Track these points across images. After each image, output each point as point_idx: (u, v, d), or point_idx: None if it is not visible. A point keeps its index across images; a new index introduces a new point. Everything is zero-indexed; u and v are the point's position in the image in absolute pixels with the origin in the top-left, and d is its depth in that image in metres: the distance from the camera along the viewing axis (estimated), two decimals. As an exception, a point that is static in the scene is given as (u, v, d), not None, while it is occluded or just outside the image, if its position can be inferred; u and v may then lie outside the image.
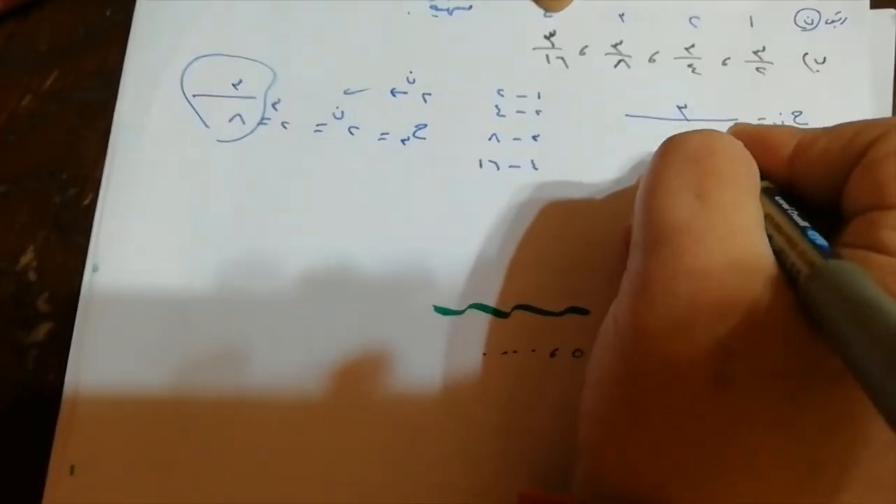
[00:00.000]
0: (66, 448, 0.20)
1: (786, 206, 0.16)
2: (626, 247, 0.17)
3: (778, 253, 0.15)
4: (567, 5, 0.23)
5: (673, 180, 0.16)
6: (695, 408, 0.14)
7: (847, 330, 0.12)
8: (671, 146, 0.17)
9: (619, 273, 0.17)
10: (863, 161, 0.15)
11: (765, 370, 0.13)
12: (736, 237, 0.15)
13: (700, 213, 0.15)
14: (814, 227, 0.15)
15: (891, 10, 0.23)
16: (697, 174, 0.15)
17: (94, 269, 0.22)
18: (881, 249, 0.14)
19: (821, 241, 0.14)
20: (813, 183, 0.17)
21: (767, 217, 0.16)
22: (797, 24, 0.24)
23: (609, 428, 0.16)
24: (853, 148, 0.16)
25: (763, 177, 0.17)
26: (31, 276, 0.22)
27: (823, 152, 0.16)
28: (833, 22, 0.23)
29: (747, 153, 0.16)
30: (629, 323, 0.15)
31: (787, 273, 0.15)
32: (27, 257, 0.22)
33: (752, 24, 0.24)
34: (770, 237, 0.15)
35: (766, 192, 0.17)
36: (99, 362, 0.21)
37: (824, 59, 0.23)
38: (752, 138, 0.17)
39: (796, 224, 0.15)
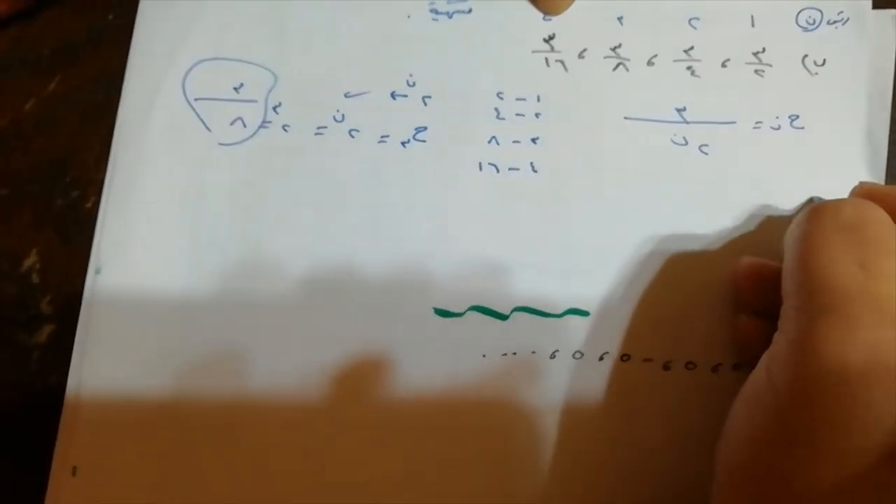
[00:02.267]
0: (69, 449, 0.21)
1: None
2: (741, 291, 0.19)
3: None
4: (566, 9, 0.24)
5: (833, 248, 0.16)
6: (866, 484, 0.14)
7: None
8: (823, 213, 0.17)
9: (724, 319, 0.19)
10: None
11: None
12: None
13: (867, 282, 0.15)
14: None
15: (891, 11, 0.23)
16: (857, 243, 0.16)
17: (97, 271, 0.22)
18: None
19: None
20: None
21: None
22: (799, 25, 0.24)
23: (759, 487, 0.16)
24: None
25: None
26: (34, 278, 0.22)
27: None
28: (835, 22, 0.23)
29: (890, 221, 0.16)
30: (793, 387, 0.15)
31: None
32: (30, 259, 0.23)
33: (753, 24, 0.24)
34: None
35: None
36: (101, 364, 0.21)
37: (824, 60, 0.23)
38: (891, 206, 0.17)
39: None
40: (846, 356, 0.14)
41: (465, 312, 0.22)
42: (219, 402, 0.21)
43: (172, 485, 0.21)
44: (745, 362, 0.21)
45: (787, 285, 0.17)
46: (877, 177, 0.22)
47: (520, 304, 0.22)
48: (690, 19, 0.24)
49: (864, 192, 0.19)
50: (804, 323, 0.16)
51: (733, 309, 0.21)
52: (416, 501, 0.21)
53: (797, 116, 0.23)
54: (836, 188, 0.22)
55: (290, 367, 0.21)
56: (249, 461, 0.21)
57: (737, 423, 0.17)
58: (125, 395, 0.21)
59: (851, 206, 0.17)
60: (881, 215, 0.16)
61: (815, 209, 0.17)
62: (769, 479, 0.15)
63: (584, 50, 0.23)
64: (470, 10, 0.24)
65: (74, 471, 0.20)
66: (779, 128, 0.23)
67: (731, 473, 0.17)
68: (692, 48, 0.23)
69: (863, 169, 0.22)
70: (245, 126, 0.23)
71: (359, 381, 0.21)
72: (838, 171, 0.22)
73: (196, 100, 0.23)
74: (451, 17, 0.24)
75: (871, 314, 0.15)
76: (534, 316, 0.21)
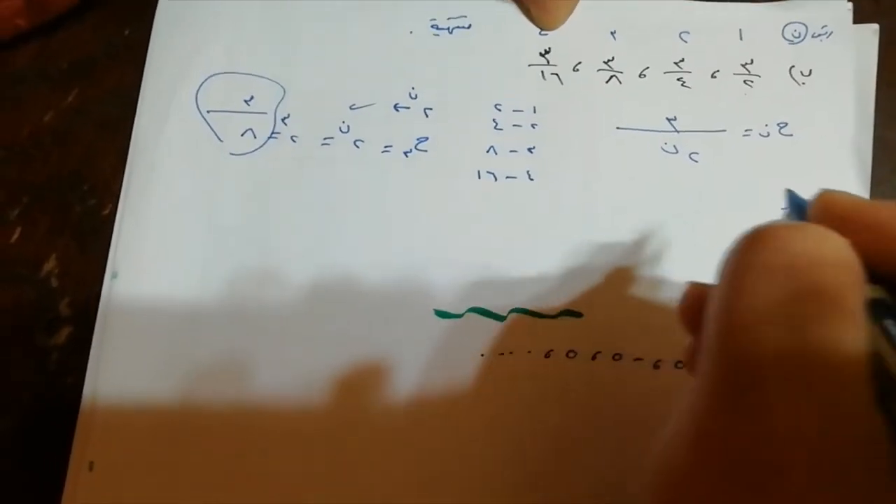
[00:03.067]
0: (86, 445, 0.21)
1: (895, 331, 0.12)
2: (689, 325, 0.15)
3: (885, 398, 0.11)
4: (562, 23, 0.24)
5: (761, 297, 0.12)
6: None
7: None
8: (762, 242, 0.13)
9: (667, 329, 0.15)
10: None
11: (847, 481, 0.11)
12: (840, 392, 0.11)
13: (795, 353, 0.11)
14: None
15: (872, 25, 0.24)
16: (796, 295, 0.12)
17: (114, 276, 0.22)
18: None
19: None
20: None
21: (874, 356, 0.12)
22: (785, 38, 0.24)
23: None
24: None
25: (870, 276, 0.12)
26: (53, 282, 0.23)
27: None
28: (819, 35, 0.24)
29: (854, 259, 0.12)
30: (686, 491, 0.12)
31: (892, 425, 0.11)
32: (49, 264, 0.23)
33: (741, 37, 0.24)
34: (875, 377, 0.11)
35: (872, 311, 0.12)
36: (117, 365, 0.22)
37: (810, 71, 0.24)
38: (858, 221, 0.13)
39: None
40: (759, 455, 0.11)
41: (464, 314, 0.22)
42: (227, 405, 0.21)
43: (182, 484, 0.21)
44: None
45: (708, 330, 0.13)
46: (863, 179, 0.23)
47: (517, 305, 0.22)
48: (681, 33, 0.24)
49: (823, 203, 0.14)
50: (709, 397, 0.12)
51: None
52: (418, 497, 0.21)
53: (786, 124, 0.23)
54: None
55: (296, 371, 0.22)
56: (257, 463, 0.21)
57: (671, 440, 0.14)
58: (139, 395, 0.21)
59: (802, 240, 0.12)
60: (841, 255, 0.12)
61: (752, 237, 0.13)
62: None
63: (579, 63, 0.24)
64: (469, 26, 0.24)
65: (91, 466, 0.21)
66: (768, 135, 0.23)
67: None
68: (682, 60, 0.24)
69: (850, 172, 0.23)
70: (255, 137, 0.24)
71: (363, 381, 0.22)
72: (826, 175, 0.23)
73: (208, 112, 0.24)
74: (451, 32, 0.24)
75: (790, 399, 0.11)
76: (529, 317, 0.22)
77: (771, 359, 0.11)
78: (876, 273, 0.13)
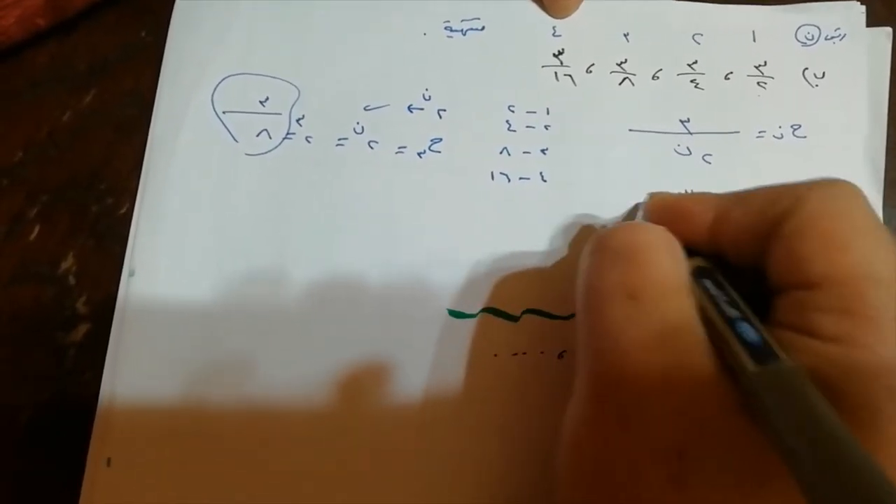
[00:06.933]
0: (104, 441, 0.21)
1: (714, 290, 0.16)
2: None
3: (715, 343, 0.15)
4: (573, 11, 0.24)
5: (603, 281, 0.16)
6: None
7: (786, 441, 0.12)
8: (598, 245, 0.17)
9: None
10: (776, 236, 0.15)
11: (714, 469, 0.13)
12: (675, 338, 0.14)
13: (634, 314, 0.15)
14: (744, 317, 0.15)
15: (886, 28, 0.24)
16: (626, 274, 0.15)
17: (131, 274, 0.23)
18: (812, 333, 0.14)
19: (751, 335, 0.14)
20: (737, 254, 0.17)
21: (700, 308, 0.15)
22: (798, 40, 0.24)
23: None
24: (765, 221, 0.16)
25: (691, 251, 0.16)
26: (71, 280, 0.23)
27: (738, 225, 0.16)
28: (832, 38, 0.24)
29: (671, 239, 0.16)
30: (584, 430, 0.15)
31: (726, 366, 0.14)
32: (67, 263, 0.24)
33: (754, 39, 0.24)
34: (706, 327, 0.15)
35: (695, 276, 0.16)
36: (134, 361, 0.22)
37: (823, 73, 0.24)
38: (672, 213, 0.17)
39: (725, 316, 0.15)
40: (622, 396, 0.14)
41: (477, 314, 0.22)
42: (242, 404, 0.21)
43: (200, 481, 0.21)
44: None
45: (577, 316, 0.17)
46: (876, 180, 0.23)
47: (530, 306, 0.22)
48: (694, 35, 0.24)
49: (654, 204, 0.18)
50: (583, 362, 0.16)
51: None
52: (429, 497, 0.21)
53: (799, 126, 0.23)
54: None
55: (311, 370, 0.22)
56: (272, 462, 0.21)
57: (557, 456, 0.16)
58: (156, 392, 0.22)
59: (621, 234, 0.16)
60: (655, 239, 0.16)
61: (593, 240, 0.17)
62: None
63: (592, 65, 0.24)
64: (483, 28, 0.25)
65: (109, 461, 0.21)
66: (781, 137, 0.23)
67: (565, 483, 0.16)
68: (696, 62, 0.24)
69: (863, 173, 0.23)
70: (270, 137, 0.24)
71: (376, 381, 0.22)
72: (840, 176, 0.22)
73: (224, 112, 0.24)
74: (464, 34, 0.25)
75: (637, 349, 0.14)
76: (543, 318, 0.22)
77: (618, 323, 0.15)
78: (694, 249, 0.17)
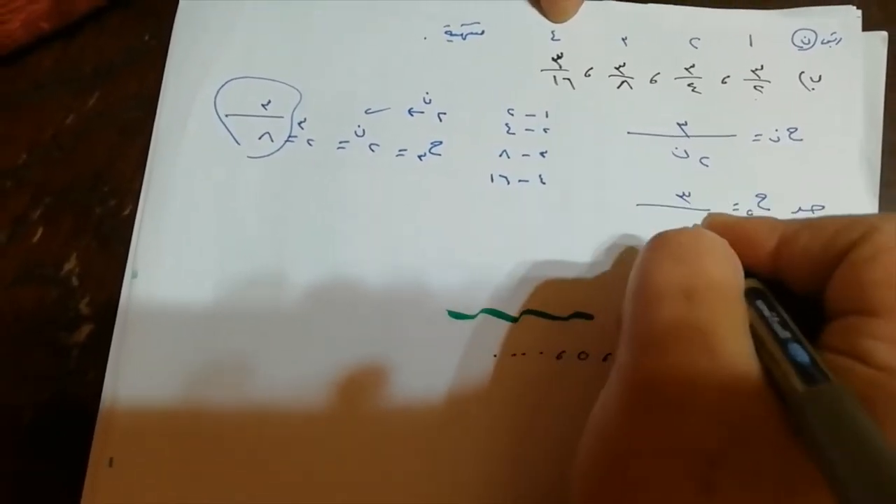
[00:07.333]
0: (106, 441, 0.21)
1: (767, 312, 0.16)
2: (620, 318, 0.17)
3: (763, 361, 0.15)
4: (572, 15, 0.25)
5: (662, 278, 0.16)
6: None
7: (831, 459, 0.12)
8: (660, 243, 0.17)
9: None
10: (844, 262, 0.15)
11: (749, 478, 0.13)
12: (725, 344, 0.15)
13: (689, 316, 0.15)
14: (795, 338, 0.15)
15: (881, 33, 0.24)
16: (686, 275, 0.16)
17: (134, 275, 0.23)
18: (864, 359, 0.14)
19: (801, 356, 0.14)
20: (797, 278, 0.17)
21: (751, 327, 0.16)
22: (794, 44, 0.24)
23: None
24: (834, 247, 0.16)
25: (746, 272, 0.17)
26: (74, 281, 0.24)
27: (805, 251, 0.16)
28: (829, 42, 0.24)
29: (732, 253, 0.17)
30: (616, 422, 0.15)
31: (772, 382, 0.15)
32: (70, 264, 0.24)
33: (751, 44, 0.25)
34: (756, 346, 0.15)
35: (749, 296, 0.16)
36: (136, 362, 0.22)
37: (820, 77, 0.24)
38: (733, 233, 0.17)
39: (777, 337, 0.15)
40: (664, 393, 0.14)
41: (477, 315, 0.22)
42: (244, 405, 0.22)
43: (202, 482, 0.21)
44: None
45: (625, 308, 0.17)
46: (872, 183, 0.23)
47: (529, 307, 0.22)
48: (691, 39, 0.25)
49: (713, 223, 0.18)
50: (627, 355, 0.16)
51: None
52: (430, 497, 0.21)
53: (796, 129, 0.24)
54: (835, 196, 0.23)
55: (312, 372, 0.22)
56: (273, 463, 0.21)
57: (582, 440, 0.16)
58: (159, 392, 0.22)
59: (685, 236, 0.17)
60: (719, 248, 0.16)
61: (655, 238, 0.17)
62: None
63: (590, 68, 0.24)
64: (482, 32, 0.25)
65: (111, 462, 0.21)
66: (778, 140, 0.24)
67: (582, 481, 0.16)
68: (693, 66, 0.24)
69: (859, 176, 0.23)
70: (272, 140, 0.24)
71: (377, 382, 0.22)
72: (836, 179, 0.23)
73: (227, 115, 0.24)
74: (464, 38, 0.25)
75: (686, 350, 0.14)
76: (542, 318, 0.22)
77: (670, 322, 0.15)
78: (750, 271, 0.17)
